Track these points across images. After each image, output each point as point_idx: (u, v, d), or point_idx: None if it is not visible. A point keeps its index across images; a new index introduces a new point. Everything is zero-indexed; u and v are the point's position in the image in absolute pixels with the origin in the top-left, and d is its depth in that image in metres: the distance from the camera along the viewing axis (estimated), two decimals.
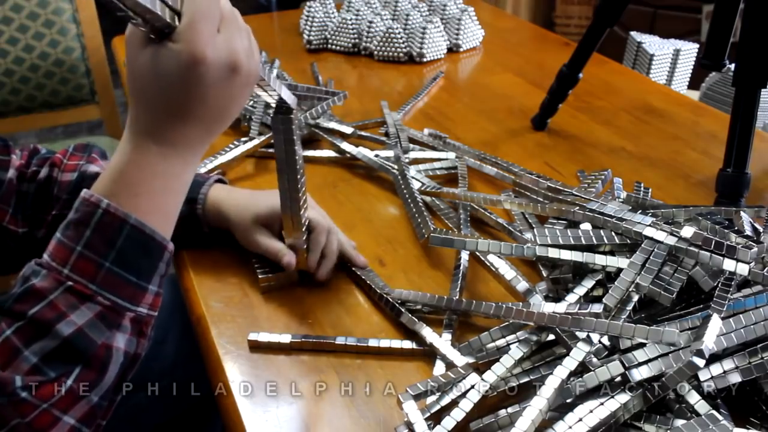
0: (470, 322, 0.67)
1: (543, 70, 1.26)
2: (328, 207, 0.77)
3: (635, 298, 0.59)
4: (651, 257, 0.60)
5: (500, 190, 0.87)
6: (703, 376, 0.53)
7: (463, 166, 0.91)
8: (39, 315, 0.46)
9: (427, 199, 0.85)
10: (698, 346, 0.51)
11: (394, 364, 0.62)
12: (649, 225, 0.63)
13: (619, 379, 0.53)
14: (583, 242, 0.64)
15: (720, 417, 0.50)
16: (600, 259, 0.63)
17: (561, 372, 0.53)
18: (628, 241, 0.64)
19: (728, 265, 0.58)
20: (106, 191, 0.50)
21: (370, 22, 1.36)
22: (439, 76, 1.26)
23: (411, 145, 0.97)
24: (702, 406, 0.52)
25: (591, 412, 0.51)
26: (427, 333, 0.63)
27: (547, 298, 0.66)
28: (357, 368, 0.62)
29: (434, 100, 1.18)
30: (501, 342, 0.62)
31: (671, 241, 0.61)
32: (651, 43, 1.58)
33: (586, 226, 0.67)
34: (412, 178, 0.88)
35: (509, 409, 0.54)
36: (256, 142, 0.97)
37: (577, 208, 0.69)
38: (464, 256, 0.74)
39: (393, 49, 1.33)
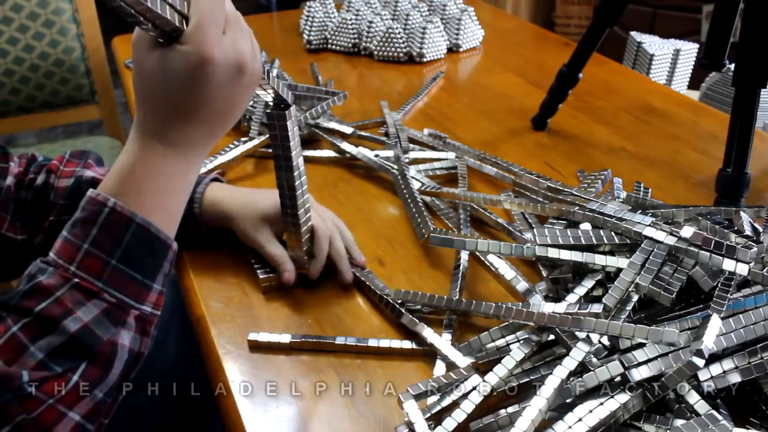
0: (470, 322, 0.67)
1: (543, 70, 1.26)
2: (328, 207, 0.78)
3: (635, 298, 0.59)
4: (651, 257, 0.60)
5: (500, 190, 0.87)
6: (702, 376, 0.53)
7: (463, 166, 0.91)
8: (45, 311, 0.47)
9: (427, 199, 0.85)
10: (698, 346, 0.51)
11: (394, 364, 0.62)
12: (649, 225, 0.63)
13: (618, 379, 0.53)
14: (583, 242, 0.64)
15: (720, 417, 0.50)
16: (600, 259, 0.63)
17: (561, 372, 0.53)
18: (628, 241, 0.64)
19: (728, 265, 0.58)
20: (112, 190, 0.51)
21: (370, 22, 1.36)
22: (439, 76, 1.26)
23: (411, 145, 0.97)
24: (702, 406, 0.52)
25: (591, 412, 0.51)
26: (428, 334, 0.63)
27: (547, 298, 0.66)
28: (357, 368, 0.62)
29: (434, 100, 1.18)
30: (501, 342, 0.62)
31: (671, 241, 0.61)
32: (651, 43, 1.58)
33: (586, 226, 0.67)
34: (412, 178, 0.88)
35: (509, 409, 0.54)
36: (256, 142, 0.97)
37: (577, 208, 0.69)
38: (464, 256, 0.74)
39: (393, 49, 1.33)
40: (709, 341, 0.51)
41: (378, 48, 1.35)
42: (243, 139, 0.99)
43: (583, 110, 1.11)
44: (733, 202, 0.79)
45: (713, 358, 0.53)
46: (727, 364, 0.53)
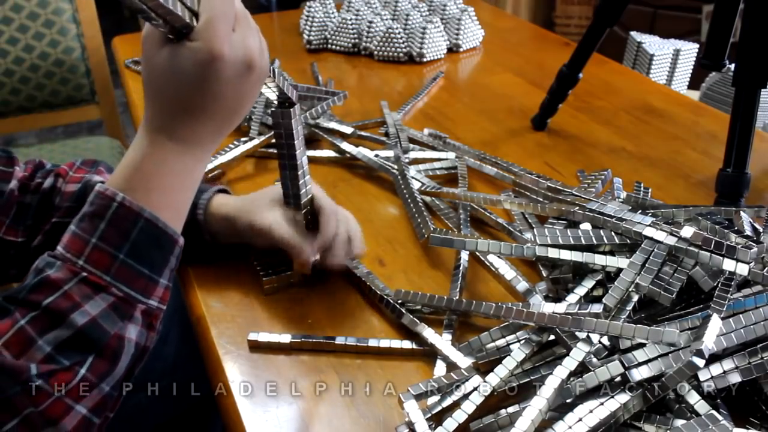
0: (470, 322, 0.67)
1: (543, 70, 1.26)
2: None
3: (635, 298, 0.59)
4: (651, 257, 0.60)
5: (500, 190, 0.87)
6: (703, 376, 0.53)
7: (463, 166, 0.91)
8: (53, 305, 0.47)
9: (427, 199, 0.85)
10: (698, 346, 0.51)
11: (394, 364, 0.62)
12: (649, 225, 0.63)
13: (619, 379, 0.53)
14: (583, 242, 0.64)
15: (720, 417, 0.50)
16: (600, 259, 0.63)
17: (561, 372, 0.53)
18: (628, 241, 0.64)
19: (728, 265, 0.58)
20: (120, 185, 0.51)
21: (370, 22, 1.36)
22: (439, 76, 1.26)
23: (411, 145, 0.97)
24: (702, 406, 0.52)
25: (591, 412, 0.51)
26: (429, 334, 0.63)
27: (547, 298, 0.66)
28: (357, 368, 0.62)
29: (434, 100, 1.18)
30: (501, 342, 0.62)
31: (671, 241, 0.61)
32: (651, 43, 1.58)
33: (586, 226, 0.67)
34: (412, 178, 0.88)
35: (509, 409, 0.54)
36: (256, 142, 0.97)
37: (577, 208, 0.69)
38: (464, 256, 0.74)
39: (393, 49, 1.33)
40: (710, 341, 0.51)
41: (378, 48, 1.35)
42: (243, 139, 0.99)
43: (583, 110, 1.11)
44: (733, 202, 0.79)
45: (713, 358, 0.53)
46: (727, 364, 0.53)
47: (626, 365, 0.53)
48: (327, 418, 0.57)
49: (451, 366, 0.60)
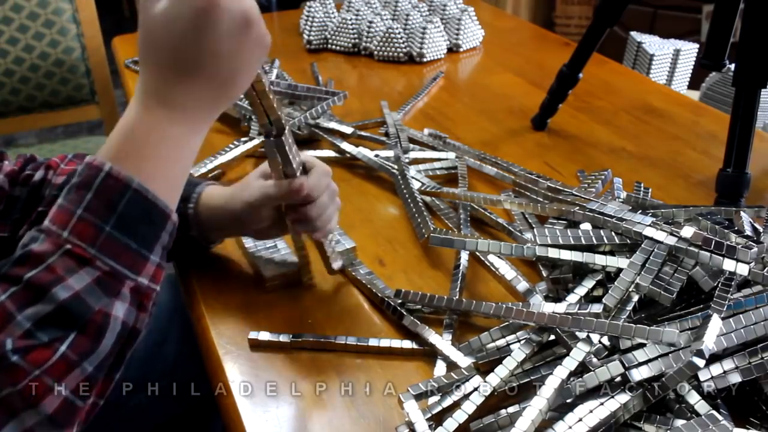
0: (470, 322, 0.67)
1: (543, 70, 1.26)
2: None
3: (635, 298, 0.59)
4: (651, 257, 0.60)
5: (500, 190, 0.87)
6: (703, 376, 0.53)
7: (463, 166, 0.91)
8: (35, 279, 0.45)
9: (427, 199, 0.85)
10: (698, 346, 0.51)
11: (394, 364, 0.62)
12: (649, 225, 0.63)
13: (619, 379, 0.53)
14: (583, 242, 0.64)
15: (720, 417, 0.50)
16: (600, 259, 0.63)
17: (561, 372, 0.53)
18: (628, 241, 0.64)
19: (728, 265, 0.58)
20: (109, 155, 0.49)
21: (370, 22, 1.36)
22: (439, 76, 1.26)
23: (411, 145, 0.97)
24: (702, 406, 0.52)
25: (591, 412, 0.51)
26: (429, 334, 0.63)
27: (547, 298, 0.66)
28: (357, 368, 0.62)
29: (434, 100, 1.18)
30: (501, 342, 0.62)
31: (671, 241, 0.61)
32: (651, 43, 1.58)
33: (586, 226, 0.67)
34: (412, 178, 0.88)
35: (509, 409, 0.54)
36: (256, 142, 0.97)
37: (577, 208, 0.69)
38: (464, 256, 0.74)
39: (393, 49, 1.33)
40: (710, 341, 0.51)
41: (378, 48, 1.35)
42: (243, 139, 0.99)
43: (583, 110, 1.11)
44: (733, 202, 0.79)
45: (713, 358, 0.53)
46: (728, 364, 0.53)
47: (626, 365, 0.53)
48: (327, 418, 0.57)
49: (451, 366, 0.60)
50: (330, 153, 0.97)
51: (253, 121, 1.02)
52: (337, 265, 0.72)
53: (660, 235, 0.62)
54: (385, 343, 0.63)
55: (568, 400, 0.53)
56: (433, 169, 0.92)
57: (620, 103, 1.14)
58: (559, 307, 0.61)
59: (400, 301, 0.67)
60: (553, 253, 0.64)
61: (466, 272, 0.72)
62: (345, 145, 0.96)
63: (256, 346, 0.64)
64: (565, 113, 1.06)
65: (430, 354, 0.63)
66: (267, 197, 0.67)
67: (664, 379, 0.51)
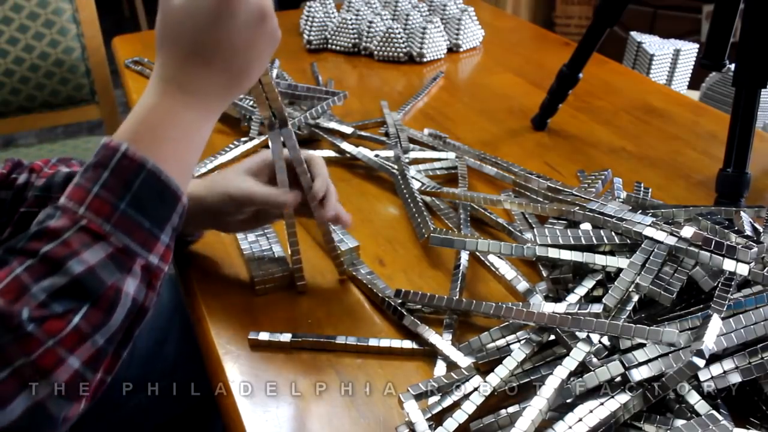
0: (470, 322, 0.67)
1: (543, 70, 1.26)
2: None
3: (635, 298, 0.59)
4: (651, 257, 0.60)
5: (500, 190, 0.87)
6: (703, 376, 0.53)
7: (463, 166, 0.91)
8: (51, 253, 0.46)
9: (427, 199, 0.85)
10: (698, 346, 0.51)
11: (394, 364, 0.62)
12: (649, 225, 0.63)
13: (619, 379, 0.53)
14: (583, 242, 0.64)
15: (720, 417, 0.50)
16: (600, 259, 0.63)
17: (561, 372, 0.53)
18: (628, 241, 0.64)
19: (728, 265, 0.58)
20: (126, 135, 0.51)
21: (370, 22, 1.36)
22: (439, 76, 1.26)
23: (411, 145, 0.97)
24: (702, 406, 0.52)
25: (591, 412, 0.51)
26: (429, 334, 0.63)
27: (547, 298, 0.66)
28: (357, 368, 0.62)
29: (434, 100, 1.18)
30: (501, 342, 0.62)
31: (671, 241, 0.61)
32: (651, 43, 1.58)
33: (586, 226, 0.67)
34: (412, 178, 0.88)
35: (509, 409, 0.54)
36: (256, 142, 0.97)
37: (577, 208, 0.69)
38: (464, 256, 0.74)
39: (393, 49, 1.33)
40: (710, 341, 0.51)
41: (378, 48, 1.35)
42: (243, 139, 0.99)
43: (583, 110, 1.11)
44: (733, 202, 0.79)
45: (713, 358, 0.53)
46: (728, 364, 0.53)
47: (626, 365, 0.53)
48: (327, 418, 0.57)
49: (452, 366, 0.60)
50: (330, 153, 0.97)
51: (253, 121, 1.02)
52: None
53: (660, 235, 0.62)
54: (385, 343, 0.63)
55: (568, 400, 0.53)
56: (433, 169, 0.92)
57: (620, 103, 1.14)
58: (559, 307, 0.61)
59: (400, 301, 0.67)
60: (553, 253, 0.64)
61: (466, 272, 0.72)
62: (345, 145, 0.96)
63: (256, 346, 0.64)
64: (565, 113, 1.06)
65: (430, 354, 0.63)
66: (252, 200, 0.69)
67: (664, 379, 0.51)
